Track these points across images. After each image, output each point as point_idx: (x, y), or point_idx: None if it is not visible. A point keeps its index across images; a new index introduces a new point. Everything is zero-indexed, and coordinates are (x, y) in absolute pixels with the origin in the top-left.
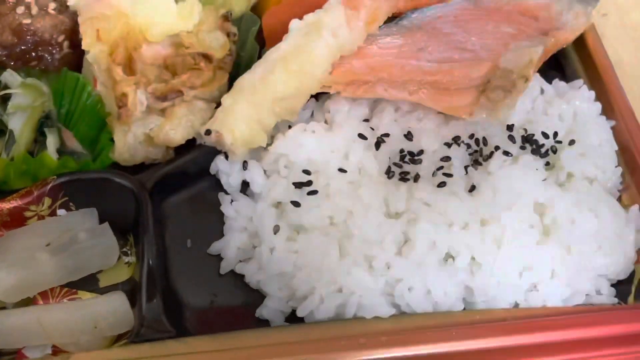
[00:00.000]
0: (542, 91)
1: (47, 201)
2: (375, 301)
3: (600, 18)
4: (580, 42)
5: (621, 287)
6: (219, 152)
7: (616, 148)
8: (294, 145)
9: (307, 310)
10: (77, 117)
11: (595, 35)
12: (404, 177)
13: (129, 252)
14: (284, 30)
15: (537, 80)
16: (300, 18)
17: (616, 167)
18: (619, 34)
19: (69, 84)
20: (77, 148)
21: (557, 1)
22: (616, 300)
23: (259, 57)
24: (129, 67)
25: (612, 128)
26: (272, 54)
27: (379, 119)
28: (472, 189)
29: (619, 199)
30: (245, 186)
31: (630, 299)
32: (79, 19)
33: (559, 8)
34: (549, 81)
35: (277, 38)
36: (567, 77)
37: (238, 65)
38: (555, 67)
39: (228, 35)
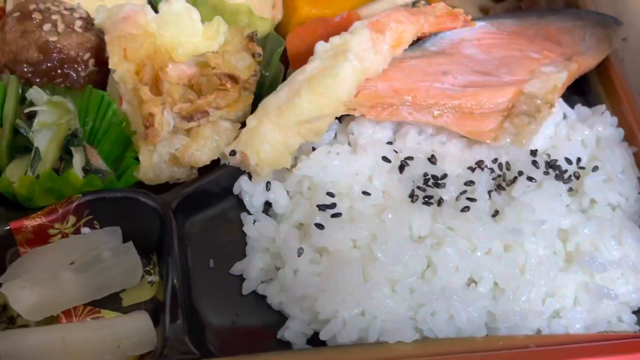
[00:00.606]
0: (564, 116)
1: (71, 219)
2: (398, 326)
3: (620, 43)
4: (602, 68)
5: None
6: (242, 172)
7: (638, 175)
8: (318, 167)
9: (330, 334)
10: (101, 135)
11: (617, 60)
12: (427, 201)
13: (152, 271)
14: (308, 50)
15: (560, 105)
16: (324, 38)
17: (639, 194)
18: (639, 59)
19: (94, 102)
20: (101, 166)
21: (580, 26)
22: (637, 327)
23: (284, 77)
24: (155, 87)
25: (634, 154)
26: (298, 76)
27: (402, 142)
28: (496, 213)
29: None
30: (267, 207)
31: None
32: (106, 38)
33: (581, 33)
34: (571, 106)
35: (301, 58)
36: (589, 102)
37: (261, 85)
38: (577, 92)
39: (253, 55)
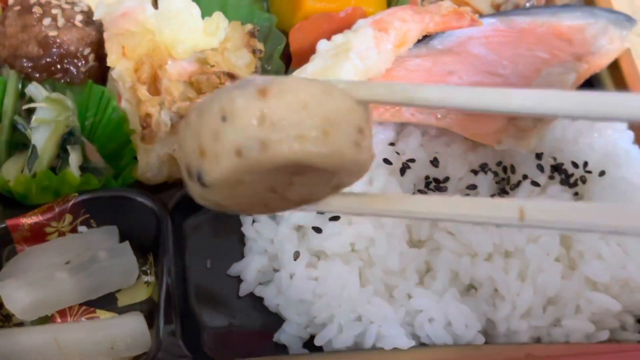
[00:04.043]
0: (572, 118)
1: (68, 218)
2: (394, 332)
3: (635, 39)
4: (614, 67)
5: None
6: None
7: None
8: None
9: (326, 339)
10: (101, 131)
11: (630, 59)
12: None
13: (148, 271)
14: (311, 46)
15: None
16: (329, 34)
17: None
18: None
19: (94, 97)
20: (99, 164)
21: (592, 24)
22: None
23: (285, 74)
24: (154, 85)
25: None
26: (299, 75)
27: (405, 144)
28: None
29: None
30: None
31: None
32: (105, 35)
33: (593, 31)
34: None
35: (303, 54)
36: None
37: None
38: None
39: (254, 52)
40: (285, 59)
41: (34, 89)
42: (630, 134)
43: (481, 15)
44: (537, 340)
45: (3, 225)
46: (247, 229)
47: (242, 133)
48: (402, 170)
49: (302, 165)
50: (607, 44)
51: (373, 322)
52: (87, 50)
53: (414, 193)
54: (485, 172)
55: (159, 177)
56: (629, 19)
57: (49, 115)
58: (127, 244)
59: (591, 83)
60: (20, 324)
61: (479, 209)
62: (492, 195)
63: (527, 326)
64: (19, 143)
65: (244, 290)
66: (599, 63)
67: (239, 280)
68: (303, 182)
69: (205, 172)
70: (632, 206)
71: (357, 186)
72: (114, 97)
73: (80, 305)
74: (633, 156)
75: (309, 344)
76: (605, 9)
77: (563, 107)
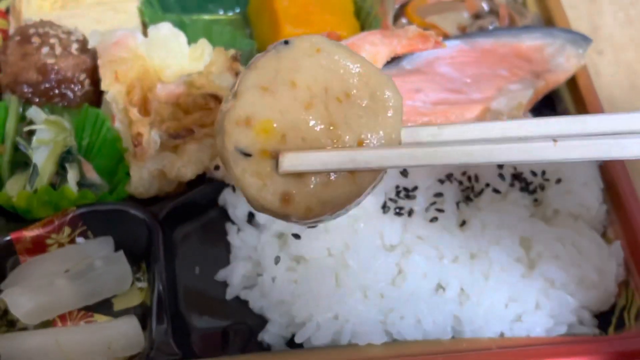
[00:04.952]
0: None
1: (67, 230)
2: (368, 329)
3: (596, 56)
4: (572, 82)
5: (603, 318)
6: (227, 185)
7: (602, 186)
8: None
9: (305, 337)
10: (96, 150)
11: (587, 75)
12: (399, 211)
13: (141, 278)
14: None
15: None
16: None
17: (601, 204)
18: (614, 72)
19: (90, 119)
20: (95, 180)
21: (549, 44)
22: (597, 331)
23: None
24: (144, 107)
25: (599, 166)
26: None
27: None
28: (463, 223)
29: (604, 234)
30: (251, 217)
31: (611, 329)
32: (99, 62)
33: (551, 50)
34: None
35: None
36: (558, 113)
37: None
38: (548, 106)
39: (237, 74)
40: None
41: (34, 112)
42: None
43: (447, 37)
44: (501, 335)
45: (7, 238)
46: (233, 237)
47: None
48: None
49: None
50: (565, 61)
51: (349, 320)
52: (82, 76)
53: (385, 201)
54: (451, 182)
55: (150, 192)
56: (584, 38)
57: (48, 136)
58: (121, 253)
59: (551, 99)
60: (24, 329)
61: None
62: (457, 203)
63: (491, 322)
64: (21, 162)
65: (230, 294)
66: (556, 79)
67: (225, 285)
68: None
69: None
70: None
71: None
72: (108, 119)
73: (79, 310)
74: (587, 164)
75: (292, 343)
76: (563, 29)
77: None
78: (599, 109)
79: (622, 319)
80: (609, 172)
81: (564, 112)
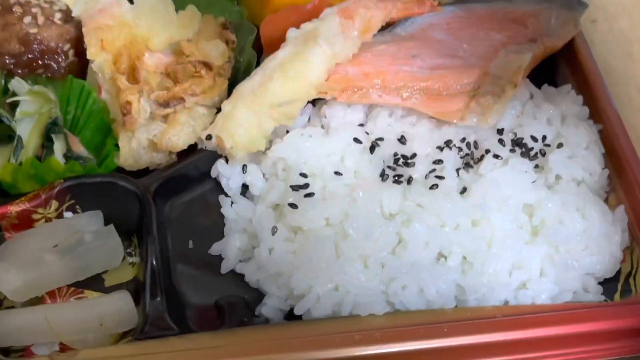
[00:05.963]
0: (531, 96)
1: (54, 204)
2: (370, 299)
3: (589, 25)
4: (569, 49)
5: (608, 285)
6: (219, 156)
7: (603, 151)
8: (292, 150)
9: (305, 309)
10: (82, 123)
11: (583, 41)
12: (397, 179)
13: (133, 252)
14: (281, 37)
15: (527, 86)
16: (297, 25)
17: (603, 169)
18: (608, 40)
19: (75, 91)
20: (83, 153)
21: (545, 9)
22: (603, 297)
23: (257, 63)
24: (132, 75)
25: (600, 132)
26: (271, 62)
27: (373, 124)
28: (464, 190)
29: (606, 200)
30: (245, 189)
31: (616, 296)
32: (84, 30)
33: (547, 15)
34: (539, 86)
35: (274, 45)
36: (556, 83)
37: (237, 71)
38: (545, 73)
39: (227, 42)
40: (257, 49)
41: (17, 84)
42: (586, 109)
43: (443, 4)
44: (505, 303)
45: None
46: (227, 210)
47: None
48: (372, 149)
49: None
50: (560, 27)
51: (349, 291)
52: (66, 46)
53: (383, 169)
54: (450, 148)
55: (140, 163)
56: (580, 3)
57: (32, 108)
58: (111, 226)
59: (550, 68)
60: (12, 307)
61: None
62: (458, 170)
63: (494, 290)
64: (4, 135)
65: (225, 267)
66: (554, 45)
67: (220, 258)
68: None
69: None
70: None
71: (329, 164)
72: (94, 90)
73: (69, 286)
74: (588, 129)
75: (290, 316)
76: None
77: None
78: (596, 76)
79: (628, 285)
80: (609, 136)
81: (562, 80)
